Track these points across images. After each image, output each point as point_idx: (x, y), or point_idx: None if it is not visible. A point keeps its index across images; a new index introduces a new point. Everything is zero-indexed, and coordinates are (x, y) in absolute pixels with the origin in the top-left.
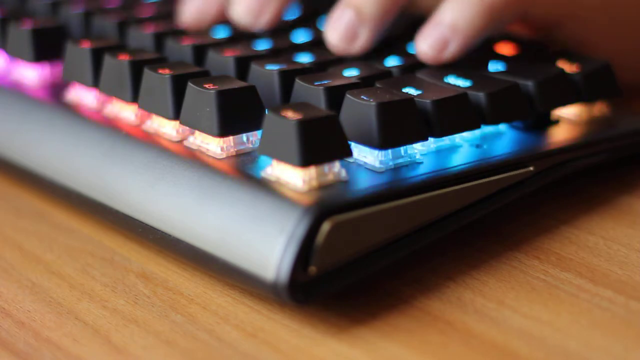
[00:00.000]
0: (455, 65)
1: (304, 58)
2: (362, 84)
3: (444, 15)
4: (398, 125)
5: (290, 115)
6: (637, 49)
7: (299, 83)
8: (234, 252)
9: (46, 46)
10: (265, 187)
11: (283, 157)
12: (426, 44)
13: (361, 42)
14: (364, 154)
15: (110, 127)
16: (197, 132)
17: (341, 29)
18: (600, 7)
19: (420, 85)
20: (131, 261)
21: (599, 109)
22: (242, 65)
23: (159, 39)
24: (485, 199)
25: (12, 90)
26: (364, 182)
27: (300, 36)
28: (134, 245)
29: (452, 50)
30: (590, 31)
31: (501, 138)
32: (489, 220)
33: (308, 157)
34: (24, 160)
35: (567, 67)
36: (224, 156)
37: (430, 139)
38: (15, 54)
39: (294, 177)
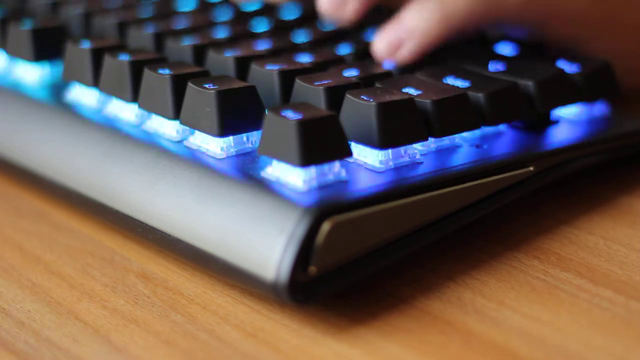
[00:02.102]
0: (455, 66)
1: (304, 58)
2: (362, 84)
3: (404, 18)
4: (398, 125)
5: (290, 115)
6: (630, 50)
7: (299, 83)
8: (234, 252)
9: (46, 46)
10: (265, 187)
11: (283, 157)
12: (382, 44)
13: (350, 9)
14: (364, 154)
15: (110, 127)
16: (197, 132)
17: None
18: (588, 6)
19: (420, 85)
20: (131, 261)
21: (599, 109)
22: (242, 65)
23: (159, 39)
24: (485, 199)
25: (12, 90)
26: (364, 182)
27: (300, 36)
28: (134, 245)
29: (405, 51)
30: (580, 31)
31: (501, 138)
32: (489, 220)
33: (308, 157)
34: (24, 160)
35: (567, 67)
36: (224, 156)
37: (430, 139)
38: (15, 54)
39: (294, 177)
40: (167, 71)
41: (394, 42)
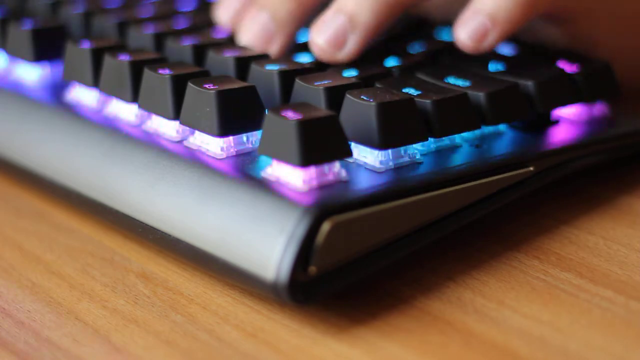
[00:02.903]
0: (455, 66)
1: (304, 58)
2: (362, 84)
3: (484, 4)
4: (398, 125)
5: (290, 115)
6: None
7: (299, 83)
8: (234, 252)
9: (46, 46)
10: (265, 187)
11: (283, 157)
12: (465, 33)
13: (349, 49)
14: (364, 154)
15: (110, 127)
16: (197, 132)
17: (330, 34)
18: (613, 2)
19: (420, 85)
20: (131, 261)
21: (599, 109)
22: (242, 65)
23: (159, 39)
24: (485, 199)
25: (12, 90)
26: (364, 182)
27: (301, 36)
28: (134, 245)
29: (491, 40)
30: (599, 29)
31: (501, 138)
32: (489, 220)
33: (308, 157)
34: (24, 160)
35: (567, 67)
36: (224, 156)
37: (430, 139)
38: (15, 54)
39: (294, 177)
40: (167, 71)
41: (478, 32)
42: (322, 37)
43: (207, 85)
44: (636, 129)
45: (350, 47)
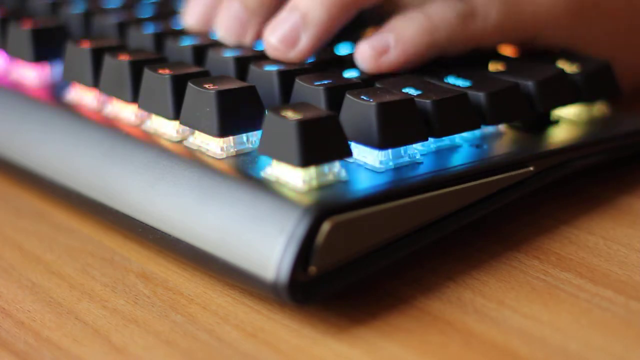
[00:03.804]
0: (455, 65)
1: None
2: (362, 84)
3: (391, 26)
4: (398, 125)
5: (290, 115)
6: (620, 54)
7: (299, 83)
8: (234, 252)
9: (46, 46)
10: (265, 187)
11: (283, 157)
12: (365, 48)
13: (301, 47)
14: (364, 154)
15: (110, 127)
16: (197, 132)
17: (283, 32)
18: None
19: (420, 85)
20: (131, 261)
21: (599, 109)
22: (242, 65)
23: (159, 39)
24: (485, 199)
25: (12, 90)
26: (364, 182)
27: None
28: (134, 245)
29: (390, 58)
30: (569, 40)
31: (501, 138)
32: (489, 220)
33: (308, 157)
34: (24, 160)
35: (567, 67)
36: (224, 156)
37: (430, 139)
38: (15, 54)
39: (294, 177)
40: (167, 71)
41: (378, 48)
42: (275, 35)
43: (207, 85)
44: (636, 129)
45: (303, 46)
